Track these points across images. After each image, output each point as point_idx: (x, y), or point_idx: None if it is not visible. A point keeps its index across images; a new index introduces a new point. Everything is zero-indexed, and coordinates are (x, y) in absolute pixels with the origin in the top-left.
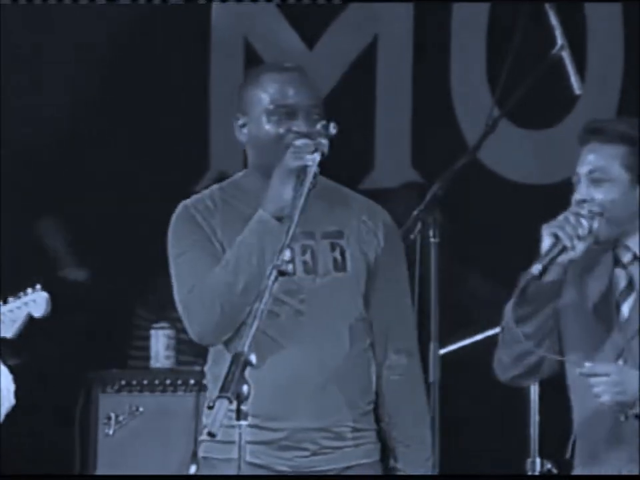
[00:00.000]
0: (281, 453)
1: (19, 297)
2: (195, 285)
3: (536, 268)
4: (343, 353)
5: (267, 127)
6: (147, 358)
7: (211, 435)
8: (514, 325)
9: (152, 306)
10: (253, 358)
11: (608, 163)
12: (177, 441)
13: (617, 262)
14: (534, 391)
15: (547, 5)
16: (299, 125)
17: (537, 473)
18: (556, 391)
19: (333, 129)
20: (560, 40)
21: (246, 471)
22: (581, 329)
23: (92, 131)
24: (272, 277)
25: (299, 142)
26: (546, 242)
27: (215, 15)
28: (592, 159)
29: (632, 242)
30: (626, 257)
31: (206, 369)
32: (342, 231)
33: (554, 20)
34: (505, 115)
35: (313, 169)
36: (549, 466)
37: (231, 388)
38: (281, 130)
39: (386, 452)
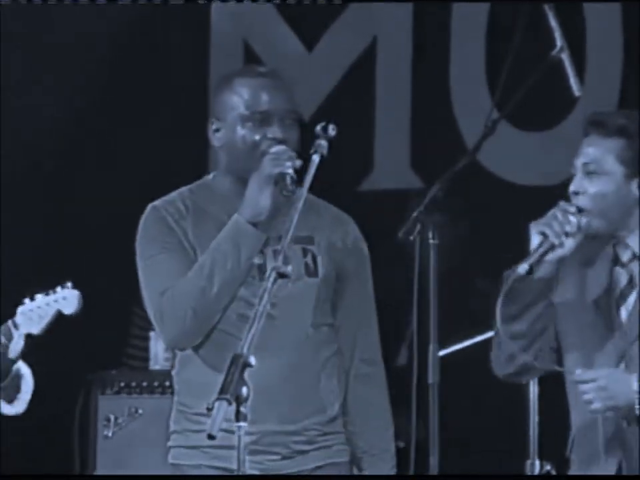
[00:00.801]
0: (250, 457)
1: (48, 294)
2: (168, 288)
3: (522, 267)
4: (313, 357)
5: (242, 132)
6: (146, 358)
7: (210, 437)
8: (502, 325)
9: None
10: (252, 360)
11: (603, 156)
12: None
13: (616, 260)
14: (533, 391)
15: (546, 7)
16: (274, 131)
17: (536, 474)
18: (556, 391)
19: (331, 131)
20: (559, 41)
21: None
22: (581, 327)
23: (91, 131)
24: (271, 279)
25: (274, 149)
26: (534, 240)
27: (215, 15)
28: (589, 151)
29: (631, 240)
30: (625, 256)
31: (174, 373)
32: (312, 237)
33: (553, 21)
34: (505, 117)
35: (312, 171)
36: (548, 467)
37: (230, 389)
38: (256, 136)
39: (352, 460)
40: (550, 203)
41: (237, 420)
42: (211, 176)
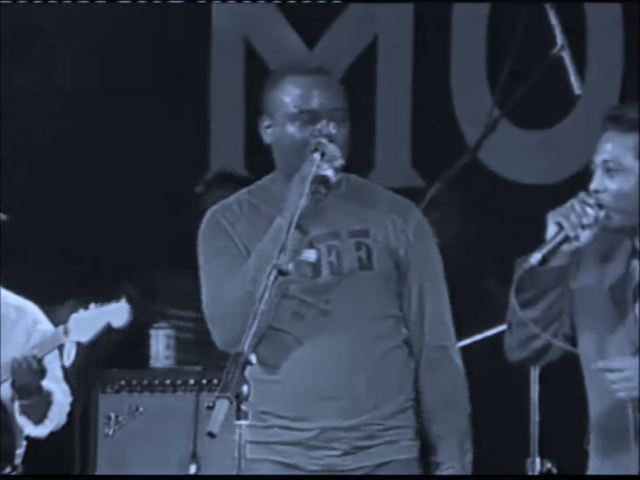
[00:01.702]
0: (310, 452)
1: (102, 305)
2: (218, 293)
3: (535, 257)
4: (371, 351)
5: (291, 130)
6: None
7: (211, 435)
8: (515, 311)
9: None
10: (253, 358)
11: (622, 153)
12: (176, 441)
13: (634, 252)
14: (534, 390)
15: (547, 5)
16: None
17: (536, 473)
18: (556, 390)
19: (332, 129)
20: (560, 40)
21: (279, 471)
22: (595, 314)
23: (92, 131)
24: (272, 277)
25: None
26: (550, 230)
27: (215, 14)
28: (607, 148)
29: None
30: None
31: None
32: (368, 230)
33: (554, 20)
34: (505, 115)
35: (313, 169)
36: (548, 465)
37: (230, 388)
38: (306, 134)
39: (427, 449)
40: (551, 201)
41: (238, 418)
42: (270, 176)
